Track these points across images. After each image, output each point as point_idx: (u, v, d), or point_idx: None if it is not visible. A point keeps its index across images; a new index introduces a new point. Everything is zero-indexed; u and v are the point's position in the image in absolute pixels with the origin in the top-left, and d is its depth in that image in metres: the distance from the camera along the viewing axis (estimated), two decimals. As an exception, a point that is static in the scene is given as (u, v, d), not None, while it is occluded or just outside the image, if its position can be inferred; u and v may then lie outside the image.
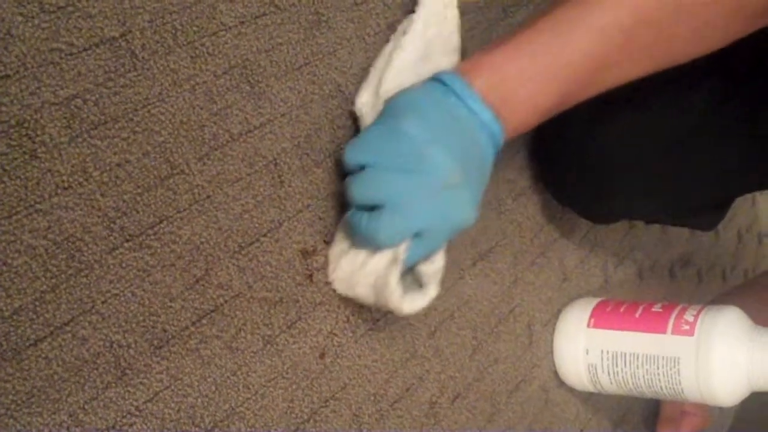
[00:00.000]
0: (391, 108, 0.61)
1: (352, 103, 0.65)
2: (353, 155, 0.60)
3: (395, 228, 0.58)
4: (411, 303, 0.61)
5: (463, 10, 0.70)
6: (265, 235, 0.59)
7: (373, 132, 0.61)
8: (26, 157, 0.46)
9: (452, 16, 0.68)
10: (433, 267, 0.64)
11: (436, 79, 0.62)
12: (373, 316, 0.68)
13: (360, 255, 0.61)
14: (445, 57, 0.67)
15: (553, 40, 0.61)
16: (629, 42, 0.61)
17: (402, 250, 0.59)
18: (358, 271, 0.61)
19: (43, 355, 0.46)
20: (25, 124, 0.46)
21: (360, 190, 0.59)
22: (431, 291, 0.63)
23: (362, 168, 0.60)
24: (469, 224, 0.61)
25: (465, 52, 0.70)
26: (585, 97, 0.65)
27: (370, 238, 0.59)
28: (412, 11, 0.68)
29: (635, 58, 0.63)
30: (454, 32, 0.68)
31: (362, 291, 0.62)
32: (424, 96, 0.61)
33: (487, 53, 0.63)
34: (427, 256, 0.63)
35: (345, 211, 0.64)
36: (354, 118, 0.66)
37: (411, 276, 0.64)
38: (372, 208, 0.59)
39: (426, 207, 0.58)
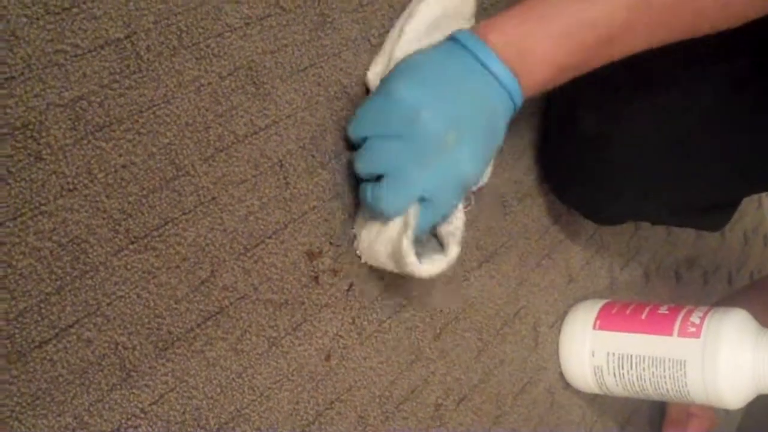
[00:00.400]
0: (395, 71, 0.62)
1: (360, 100, 0.65)
2: (354, 129, 0.62)
3: (396, 196, 0.59)
4: (430, 265, 0.61)
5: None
6: (270, 237, 0.59)
7: (369, 102, 0.62)
8: (31, 158, 0.46)
9: None
10: (451, 227, 0.64)
11: (452, 38, 0.62)
12: (379, 318, 0.67)
13: (375, 225, 0.62)
14: (460, 23, 0.67)
15: (570, 0, 0.61)
16: (650, 5, 0.61)
17: (411, 215, 0.59)
18: (374, 240, 0.62)
19: (48, 357, 0.46)
20: (30, 126, 0.46)
21: (361, 162, 0.61)
22: (452, 251, 0.63)
23: (363, 140, 0.61)
24: (469, 181, 0.61)
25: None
26: (604, 60, 0.64)
27: (375, 208, 0.60)
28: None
29: (656, 25, 0.63)
30: (468, 2, 0.68)
31: (383, 259, 0.63)
32: (428, 56, 0.61)
33: (503, 14, 0.63)
34: (444, 218, 0.63)
35: (352, 213, 0.64)
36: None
37: (432, 239, 0.64)
38: (377, 179, 0.60)
39: (424, 171, 0.59)
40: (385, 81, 0.62)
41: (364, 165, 0.61)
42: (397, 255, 0.61)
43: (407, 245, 0.59)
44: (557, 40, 0.62)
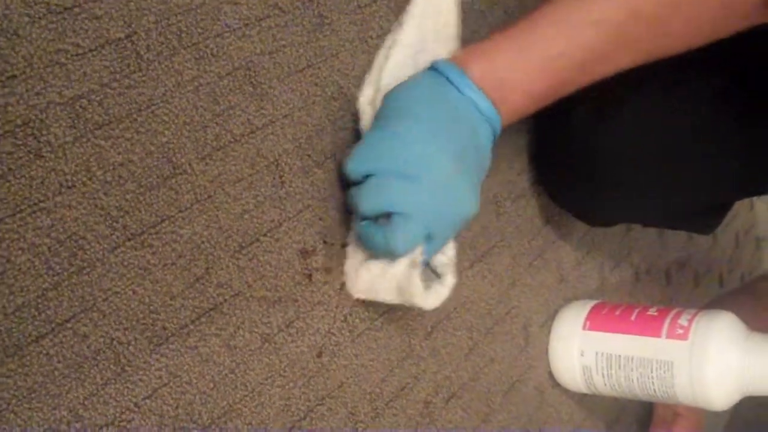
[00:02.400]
0: (386, 108, 0.63)
1: (355, 104, 0.66)
2: (355, 165, 0.61)
3: (410, 237, 0.60)
4: (435, 297, 0.63)
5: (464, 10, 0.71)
6: (265, 235, 0.60)
7: (370, 139, 0.62)
8: (31, 156, 0.46)
9: (448, 8, 0.69)
10: (446, 257, 0.66)
11: (432, 68, 0.63)
12: (371, 315, 0.68)
13: (377, 264, 0.63)
14: (443, 47, 0.68)
15: (546, 31, 0.63)
16: (623, 35, 0.63)
17: (419, 253, 0.61)
18: (379, 278, 0.63)
19: (45, 352, 0.47)
20: (31, 124, 0.46)
21: (367, 201, 0.60)
22: (449, 280, 0.65)
23: (365, 177, 0.61)
24: (472, 214, 0.63)
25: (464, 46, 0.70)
26: (579, 86, 0.66)
27: (386, 250, 0.60)
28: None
29: (629, 50, 0.65)
30: (451, 22, 0.69)
31: (386, 295, 0.64)
32: (420, 90, 0.62)
33: (482, 44, 0.64)
34: (438, 251, 0.64)
35: (346, 213, 0.65)
36: (356, 121, 0.66)
37: (427, 270, 0.65)
38: (378, 217, 0.60)
39: (432, 208, 0.60)
40: (381, 117, 0.63)
41: (370, 204, 0.60)
42: (405, 291, 0.62)
43: (417, 281, 0.61)
44: (536, 70, 0.63)
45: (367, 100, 0.65)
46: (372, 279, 0.63)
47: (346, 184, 0.64)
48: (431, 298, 0.63)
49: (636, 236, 1.08)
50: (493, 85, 0.62)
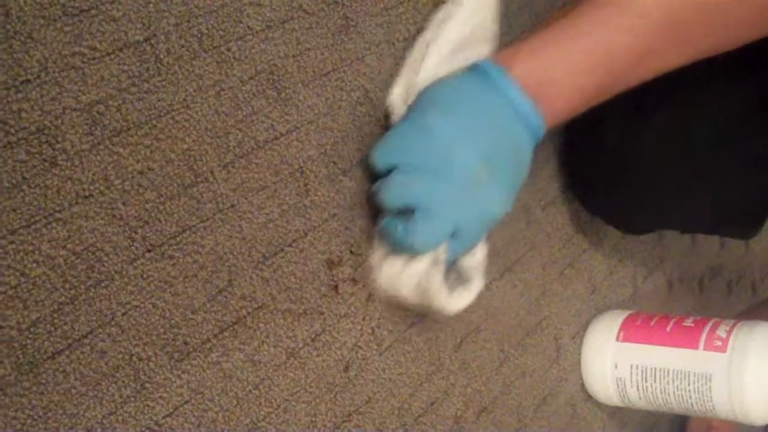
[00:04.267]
0: (420, 103, 0.61)
1: (382, 108, 0.63)
2: (381, 157, 0.60)
3: (431, 233, 0.57)
4: (458, 300, 0.61)
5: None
6: (289, 245, 0.57)
7: (399, 131, 0.60)
8: (46, 164, 0.44)
9: (490, 5, 0.66)
10: (475, 259, 0.63)
11: (473, 68, 0.61)
12: (398, 328, 0.66)
13: (399, 260, 0.60)
14: (481, 48, 0.65)
15: (595, 26, 0.60)
16: (681, 26, 0.60)
17: (441, 251, 0.58)
18: (399, 274, 0.60)
19: (61, 369, 0.45)
20: (46, 131, 0.44)
21: (390, 194, 0.58)
22: (476, 284, 0.62)
23: (390, 169, 0.59)
24: (498, 218, 0.60)
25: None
26: (625, 87, 0.63)
27: (406, 245, 0.58)
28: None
29: (676, 47, 0.62)
30: (491, 21, 0.67)
31: (406, 293, 0.61)
32: (456, 88, 0.60)
33: (525, 41, 0.61)
34: (466, 251, 0.62)
35: (373, 218, 0.63)
36: (383, 126, 0.64)
37: (454, 271, 0.62)
38: (403, 212, 0.58)
39: (457, 207, 0.58)
40: (414, 110, 0.61)
41: (394, 197, 0.58)
42: (425, 290, 0.60)
43: (439, 282, 0.59)
44: (580, 70, 0.61)
45: (399, 97, 0.63)
46: (393, 275, 0.61)
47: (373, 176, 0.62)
48: (454, 301, 0.60)
49: (668, 244, 1.05)
50: (537, 86, 0.60)
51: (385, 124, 0.64)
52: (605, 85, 0.62)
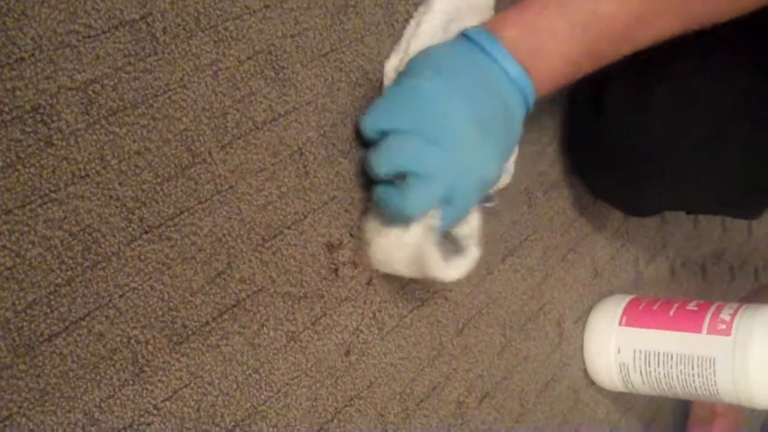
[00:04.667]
0: (409, 67, 0.60)
1: (380, 87, 0.63)
2: (371, 122, 0.59)
3: (424, 197, 0.56)
4: (454, 269, 0.60)
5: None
6: (289, 228, 0.57)
7: (388, 95, 0.59)
8: (41, 144, 0.44)
9: None
10: (469, 227, 0.62)
11: (462, 35, 0.61)
12: (400, 312, 0.65)
13: (393, 230, 0.59)
14: (477, 18, 0.65)
15: None
16: None
17: (434, 217, 0.57)
18: (393, 246, 0.59)
19: (58, 351, 0.45)
20: (41, 110, 0.44)
21: (381, 160, 0.57)
22: (472, 252, 0.61)
23: (380, 136, 0.58)
24: (491, 180, 0.60)
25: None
26: (618, 55, 0.63)
27: (399, 211, 0.57)
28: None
29: (670, 14, 0.61)
30: None
31: (401, 266, 0.60)
32: (446, 52, 0.60)
33: (514, 8, 0.61)
34: (460, 219, 0.61)
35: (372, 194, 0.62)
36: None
37: (449, 242, 0.62)
38: (396, 179, 0.57)
39: (450, 169, 0.56)
40: (403, 75, 0.60)
41: (385, 162, 0.57)
42: (419, 259, 0.58)
43: (432, 248, 0.57)
44: (569, 33, 0.60)
45: (392, 68, 0.62)
46: (388, 247, 0.59)
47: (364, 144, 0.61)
48: (451, 269, 0.59)
49: (671, 229, 1.04)
50: (526, 50, 0.59)
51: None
52: (594, 52, 0.61)
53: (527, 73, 0.59)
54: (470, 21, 0.64)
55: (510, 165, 0.71)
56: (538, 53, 0.60)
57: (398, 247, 0.59)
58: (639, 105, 0.76)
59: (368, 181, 0.61)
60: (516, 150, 0.70)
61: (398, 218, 0.58)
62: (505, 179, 0.71)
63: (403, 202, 0.56)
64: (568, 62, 0.61)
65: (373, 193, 0.60)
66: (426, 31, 0.63)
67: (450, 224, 0.60)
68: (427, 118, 0.56)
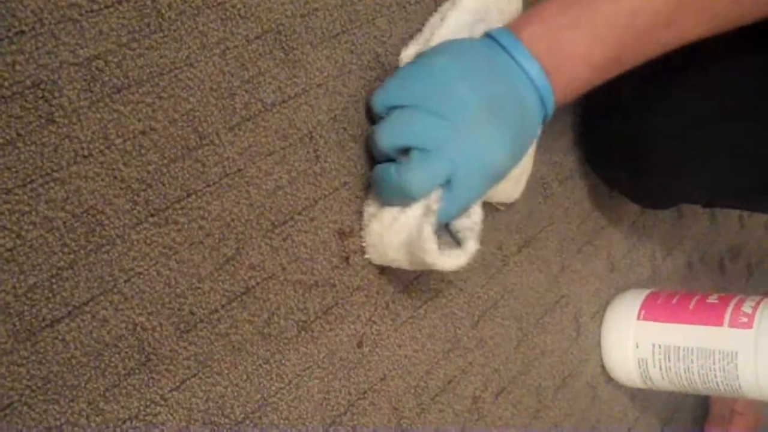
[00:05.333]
0: (428, 51, 0.59)
1: (395, 71, 0.61)
2: (381, 97, 0.57)
3: (427, 172, 0.54)
4: (450, 259, 0.56)
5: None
6: (299, 214, 0.55)
7: (400, 72, 0.58)
8: (42, 121, 0.42)
9: None
10: (470, 221, 0.59)
11: (486, 35, 0.60)
12: (414, 303, 0.63)
13: (390, 213, 0.57)
14: (506, 19, 0.63)
15: None
16: None
17: (434, 199, 0.55)
18: (387, 230, 0.57)
19: (61, 337, 0.43)
20: (42, 86, 0.42)
21: (386, 133, 0.56)
22: (470, 246, 0.58)
23: (388, 112, 0.57)
24: (497, 167, 0.57)
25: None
26: (641, 59, 0.61)
27: (401, 187, 0.55)
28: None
29: (698, 15, 0.60)
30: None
31: (394, 253, 0.58)
32: (465, 43, 0.58)
33: (537, 8, 0.60)
34: (462, 211, 0.58)
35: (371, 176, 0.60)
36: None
37: (448, 236, 0.59)
38: (398, 156, 0.56)
39: (455, 146, 0.54)
40: (420, 56, 0.59)
41: (389, 136, 0.56)
42: (414, 244, 0.56)
43: (429, 232, 0.54)
44: (595, 35, 0.58)
45: (409, 56, 0.60)
46: (381, 232, 0.57)
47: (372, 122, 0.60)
48: (447, 258, 0.56)
49: (687, 223, 1.02)
50: (546, 50, 0.58)
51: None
52: (616, 57, 0.60)
53: (547, 73, 0.58)
54: (498, 23, 0.63)
55: (523, 179, 0.69)
56: (558, 53, 0.58)
57: (392, 231, 0.57)
58: (656, 96, 0.74)
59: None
60: (530, 166, 0.69)
61: (398, 198, 0.56)
62: (515, 193, 0.69)
63: (404, 176, 0.54)
64: (590, 65, 0.59)
65: (372, 173, 0.58)
66: (451, 26, 0.61)
67: (450, 214, 0.57)
68: (437, 92, 0.55)
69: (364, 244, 0.59)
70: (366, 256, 0.60)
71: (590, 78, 0.61)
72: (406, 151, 0.56)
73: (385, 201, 0.58)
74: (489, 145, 0.56)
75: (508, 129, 0.57)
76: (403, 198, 0.56)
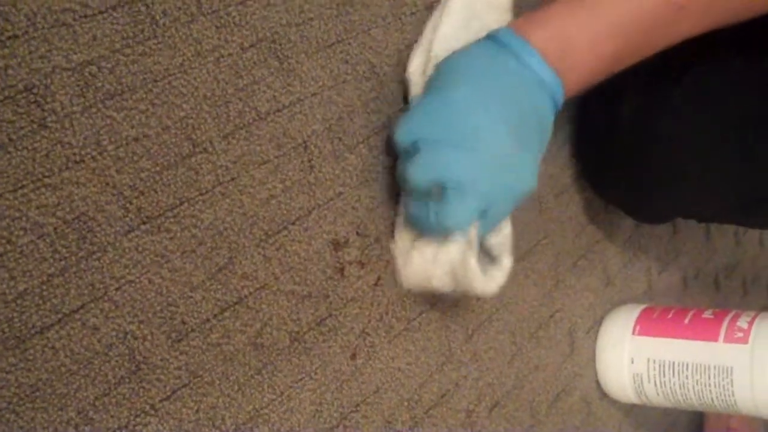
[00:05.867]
0: (441, 75, 0.58)
1: (388, 85, 0.61)
2: (405, 133, 0.57)
3: (464, 210, 0.55)
4: (492, 281, 0.58)
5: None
6: (293, 223, 0.55)
7: (421, 106, 0.57)
8: (34, 126, 0.42)
9: None
10: (502, 235, 0.61)
11: (491, 37, 0.59)
12: (408, 315, 0.63)
13: (430, 246, 0.58)
14: (496, 16, 0.64)
15: None
16: None
17: (473, 232, 0.56)
18: (431, 263, 0.58)
19: (50, 345, 0.42)
20: (34, 90, 0.42)
21: (418, 171, 0.55)
22: (506, 262, 0.60)
23: (414, 147, 0.56)
24: (527, 190, 0.59)
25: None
26: (649, 52, 0.62)
27: (440, 226, 0.55)
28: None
29: (704, 6, 0.60)
30: None
31: (439, 282, 0.58)
32: (476, 59, 0.58)
33: (543, 9, 0.60)
34: (494, 228, 0.60)
35: (383, 200, 0.60)
36: (399, 100, 0.62)
37: (481, 252, 0.60)
38: (430, 194, 0.56)
39: (488, 181, 0.55)
40: (434, 83, 0.59)
41: (421, 174, 0.55)
42: (459, 273, 0.57)
43: (474, 263, 0.56)
44: (600, 37, 0.59)
45: (417, 70, 0.61)
46: (424, 264, 0.58)
47: (396, 157, 0.60)
48: (488, 282, 0.58)
49: (683, 238, 1.02)
50: (557, 53, 0.58)
51: (404, 97, 0.62)
52: (625, 52, 0.60)
53: (558, 74, 0.58)
54: (490, 17, 0.63)
55: None
56: (569, 55, 0.59)
57: (437, 265, 0.57)
58: (653, 106, 0.74)
59: (373, 179, 0.59)
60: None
61: (436, 233, 0.56)
62: None
63: (443, 215, 0.55)
64: (598, 64, 0.60)
65: (405, 209, 0.59)
66: (447, 31, 0.61)
67: (484, 233, 0.59)
68: (462, 127, 0.55)
69: (403, 274, 0.60)
70: (405, 284, 0.60)
71: (601, 72, 0.61)
72: (438, 185, 0.55)
73: (423, 233, 0.58)
74: (518, 172, 0.57)
75: (532, 148, 0.58)
76: (441, 233, 0.56)
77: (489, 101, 0.56)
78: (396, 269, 0.60)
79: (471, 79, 0.56)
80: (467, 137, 0.55)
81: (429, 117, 0.56)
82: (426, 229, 0.57)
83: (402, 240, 0.60)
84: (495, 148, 0.55)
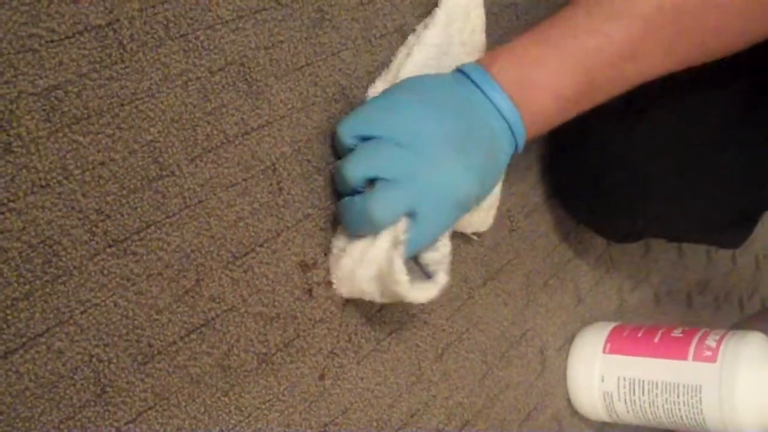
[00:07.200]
0: (396, 85, 0.60)
1: (359, 104, 0.61)
2: (347, 128, 0.58)
3: (390, 200, 0.55)
4: (421, 291, 0.57)
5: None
6: (261, 245, 0.55)
7: (367, 105, 0.59)
8: (0, 150, 0.42)
9: (476, 15, 0.65)
10: (439, 254, 0.61)
11: (457, 70, 0.61)
12: (377, 335, 0.63)
13: (358, 247, 0.57)
14: (470, 54, 0.65)
15: (577, 27, 0.60)
16: (656, 31, 0.60)
17: (401, 230, 0.55)
18: (358, 264, 0.57)
19: (14, 369, 0.42)
20: (0, 115, 0.42)
21: (352, 165, 0.56)
22: (440, 279, 0.59)
23: (356, 143, 0.57)
24: (463, 197, 0.58)
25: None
26: (610, 93, 0.63)
27: (365, 216, 0.55)
28: (429, 11, 0.65)
29: (663, 50, 0.61)
30: (478, 31, 0.66)
31: (366, 286, 0.58)
32: (433, 79, 0.59)
33: (508, 44, 0.61)
34: (429, 244, 0.59)
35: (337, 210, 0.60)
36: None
37: (417, 269, 0.60)
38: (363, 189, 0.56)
39: (419, 177, 0.55)
40: (388, 90, 0.60)
41: (356, 167, 0.56)
42: (385, 276, 0.56)
43: (399, 264, 0.55)
44: (561, 66, 0.60)
45: (376, 93, 0.61)
46: (352, 265, 0.57)
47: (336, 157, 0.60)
48: (418, 291, 0.57)
49: (655, 256, 1.03)
50: (516, 82, 0.59)
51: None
52: (585, 90, 0.61)
53: (516, 105, 0.59)
54: (463, 57, 0.64)
55: (491, 214, 0.70)
56: (528, 86, 0.60)
57: (363, 265, 0.57)
58: (623, 128, 0.75)
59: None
60: (497, 196, 0.70)
61: (363, 227, 0.56)
62: (487, 221, 0.70)
63: (368, 204, 0.55)
64: (559, 97, 0.61)
65: (338, 206, 0.59)
66: (417, 61, 0.62)
67: (418, 246, 0.58)
68: (402, 125, 0.56)
69: (332, 279, 0.59)
70: (335, 288, 0.60)
71: (560, 110, 0.62)
72: (372, 183, 0.56)
73: (352, 232, 0.58)
74: (454, 176, 0.57)
75: (475, 160, 0.58)
76: (367, 227, 0.56)
77: (437, 110, 0.57)
78: (330, 274, 0.60)
79: (423, 90, 0.58)
80: (406, 137, 0.55)
81: (372, 115, 0.57)
82: (354, 225, 0.57)
83: (336, 244, 0.59)
84: (431, 149, 0.56)
